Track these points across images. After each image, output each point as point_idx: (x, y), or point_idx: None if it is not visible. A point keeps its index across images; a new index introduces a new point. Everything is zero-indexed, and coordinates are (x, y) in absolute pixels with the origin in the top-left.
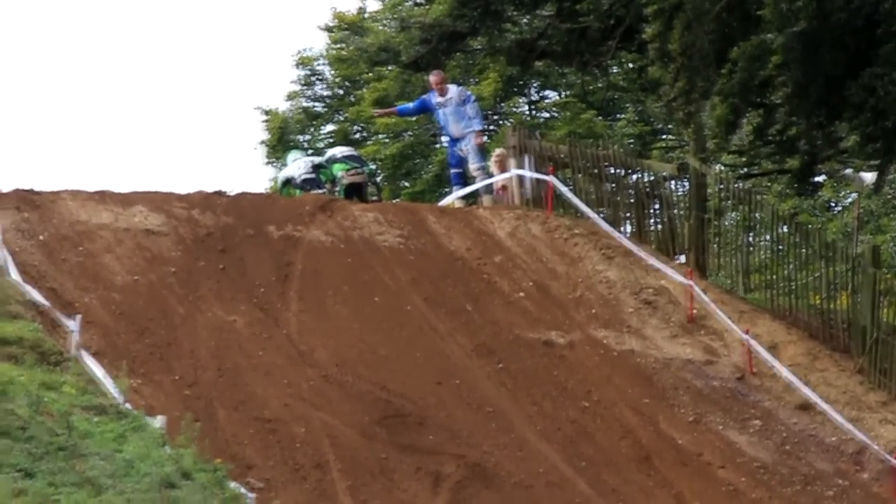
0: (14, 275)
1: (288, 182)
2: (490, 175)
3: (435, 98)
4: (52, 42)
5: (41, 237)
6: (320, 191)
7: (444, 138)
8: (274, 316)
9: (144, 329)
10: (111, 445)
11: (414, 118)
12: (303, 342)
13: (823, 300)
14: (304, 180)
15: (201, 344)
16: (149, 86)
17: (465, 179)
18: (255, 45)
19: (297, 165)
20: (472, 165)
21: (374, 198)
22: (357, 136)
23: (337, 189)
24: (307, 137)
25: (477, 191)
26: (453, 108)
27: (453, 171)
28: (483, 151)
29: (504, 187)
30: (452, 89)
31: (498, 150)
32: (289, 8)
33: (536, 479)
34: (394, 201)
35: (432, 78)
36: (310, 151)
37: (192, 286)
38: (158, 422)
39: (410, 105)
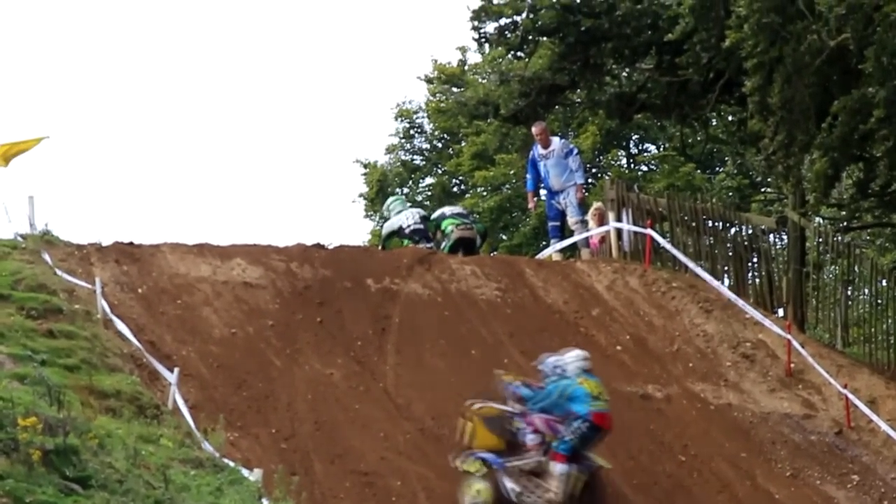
0: (114, 327)
1: (395, 233)
2: (588, 229)
3: (538, 150)
4: (154, 96)
5: (140, 290)
6: (429, 244)
7: (542, 191)
8: (371, 369)
9: (242, 382)
10: (208, 499)
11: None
12: (399, 395)
13: None
14: (414, 230)
15: (298, 397)
16: (250, 138)
17: (563, 232)
18: (356, 98)
19: (406, 216)
20: (571, 219)
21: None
22: (455, 189)
23: (444, 244)
24: (406, 190)
25: (575, 244)
26: (555, 160)
27: (551, 224)
28: (583, 205)
29: (602, 240)
30: (556, 142)
31: (597, 204)
32: (390, 59)
33: None
34: (492, 254)
35: (535, 129)
36: (409, 204)
37: (290, 339)
38: (255, 475)
39: (528, 176)
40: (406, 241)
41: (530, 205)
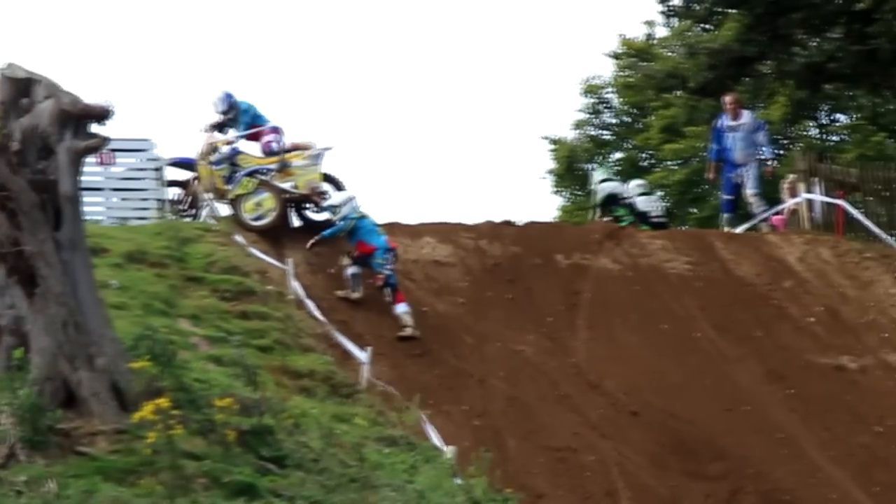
0: (306, 308)
1: (613, 198)
2: (763, 202)
3: (726, 121)
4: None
5: (331, 270)
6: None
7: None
8: (563, 345)
9: (434, 360)
10: (402, 476)
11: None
12: (592, 371)
13: None
14: (631, 203)
15: (490, 374)
16: (437, 117)
17: (735, 207)
18: (542, 74)
19: (627, 186)
20: (749, 191)
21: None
22: (644, 163)
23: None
24: (594, 166)
25: (755, 217)
26: (744, 133)
27: (725, 198)
28: (762, 179)
29: (794, 212)
30: (746, 115)
31: (790, 177)
32: (576, 36)
33: None
34: (681, 228)
35: (727, 99)
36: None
37: (481, 316)
38: (449, 452)
39: (712, 145)
40: (620, 210)
41: (711, 174)
